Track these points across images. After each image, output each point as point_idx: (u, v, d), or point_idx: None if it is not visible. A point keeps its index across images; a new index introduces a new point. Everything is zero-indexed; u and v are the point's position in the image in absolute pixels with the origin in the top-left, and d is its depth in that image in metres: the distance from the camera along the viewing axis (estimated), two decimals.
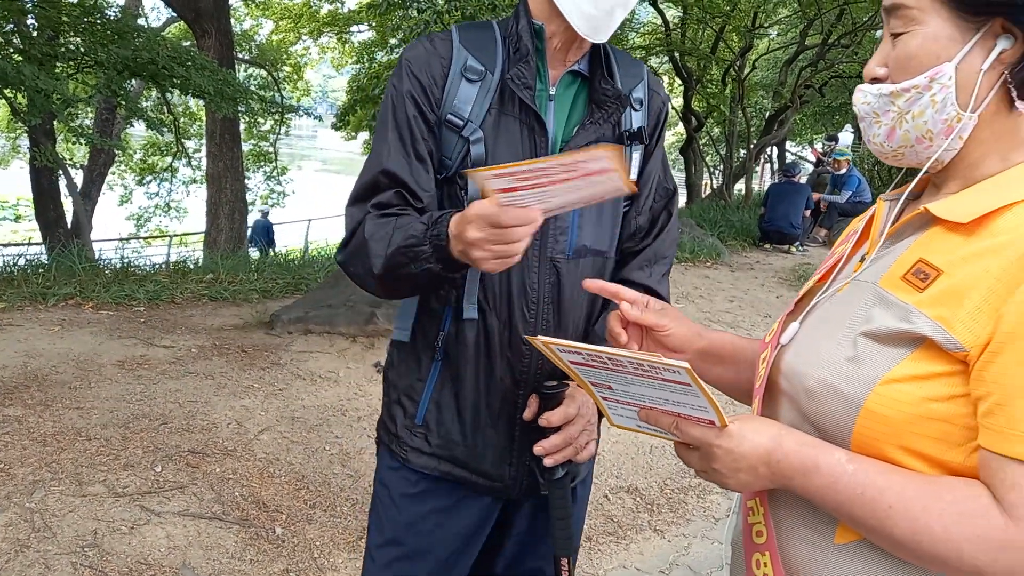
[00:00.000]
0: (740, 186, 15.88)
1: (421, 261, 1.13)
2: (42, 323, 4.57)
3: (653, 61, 15.61)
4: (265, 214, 16.33)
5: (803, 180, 11.55)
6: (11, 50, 7.29)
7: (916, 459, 0.78)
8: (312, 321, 4.78)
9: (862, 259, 0.92)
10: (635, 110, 1.33)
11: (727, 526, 1.06)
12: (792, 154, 20.41)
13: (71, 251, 6.33)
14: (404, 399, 1.36)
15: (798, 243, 9.82)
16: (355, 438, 3.54)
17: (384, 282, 1.21)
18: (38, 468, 2.93)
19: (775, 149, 19.02)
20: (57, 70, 7.61)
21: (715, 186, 16.75)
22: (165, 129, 11.99)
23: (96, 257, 8.19)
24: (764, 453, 0.83)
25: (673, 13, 14.01)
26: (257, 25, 18.77)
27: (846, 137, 14.18)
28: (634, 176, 1.37)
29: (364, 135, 16.55)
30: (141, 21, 12.79)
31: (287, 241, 16.12)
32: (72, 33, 7.99)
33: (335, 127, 15.49)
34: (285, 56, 18.38)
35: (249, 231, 15.63)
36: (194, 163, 15.70)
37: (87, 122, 12.91)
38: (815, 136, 20.40)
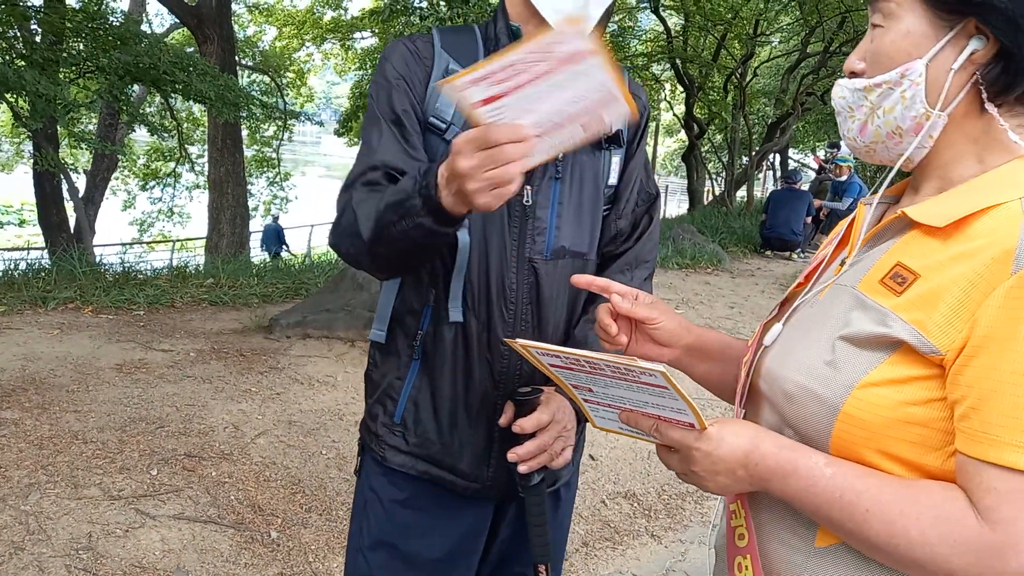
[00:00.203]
0: (742, 193, 15.90)
1: (412, 216, 1.06)
2: (41, 327, 4.58)
3: (655, 68, 15.67)
4: (276, 218, 16.39)
5: (805, 187, 11.55)
6: (14, 55, 7.33)
7: (894, 463, 0.78)
8: (311, 325, 4.78)
9: (843, 262, 0.92)
10: None
11: (716, 531, 1.06)
12: (794, 161, 20.44)
13: (72, 255, 6.33)
14: (384, 398, 1.35)
15: (799, 250, 9.82)
16: (352, 443, 3.54)
17: (375, 250, 1.15)
18: (34, 471, 2.93)
19: (777, 156, 19.03)
20: (59, 75, 7.64)
21: (717, 193, 16.78)
22: (168, 134, 12.04)
23: (98, 261, 8.19)
24: (742, 456, 0.83)
25: (675, 20, 14.07)
26: (260, 31, 18.86)
27: None
28: (614, 181, 1.36)
29: None
30: (145, 27, 12.86)
31: (291, 246, 16.20)
32: (75, 38, 8.02)
33: (338, 133, 15.56)
34: (288, 62, 18.45)
35: (261, 235, 15.75)
36: (197, 168, 15.73)
37: (90, 127, 12.94)
38: (817, 143, 20.43)
